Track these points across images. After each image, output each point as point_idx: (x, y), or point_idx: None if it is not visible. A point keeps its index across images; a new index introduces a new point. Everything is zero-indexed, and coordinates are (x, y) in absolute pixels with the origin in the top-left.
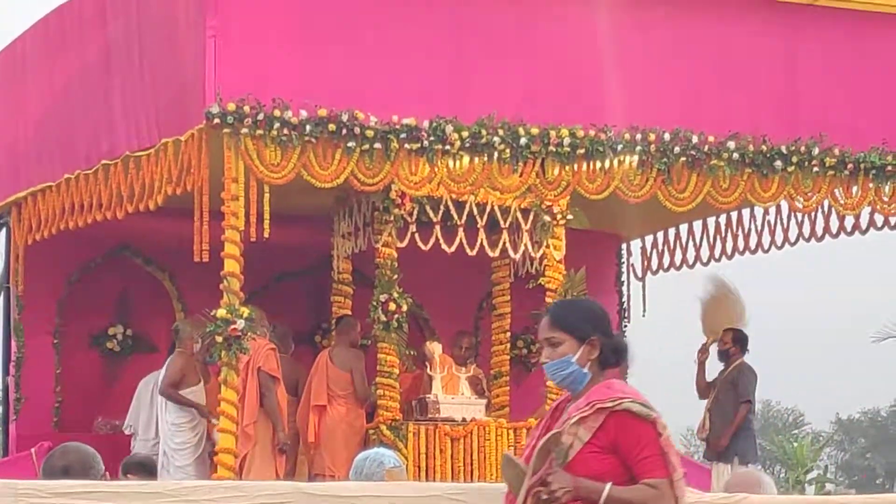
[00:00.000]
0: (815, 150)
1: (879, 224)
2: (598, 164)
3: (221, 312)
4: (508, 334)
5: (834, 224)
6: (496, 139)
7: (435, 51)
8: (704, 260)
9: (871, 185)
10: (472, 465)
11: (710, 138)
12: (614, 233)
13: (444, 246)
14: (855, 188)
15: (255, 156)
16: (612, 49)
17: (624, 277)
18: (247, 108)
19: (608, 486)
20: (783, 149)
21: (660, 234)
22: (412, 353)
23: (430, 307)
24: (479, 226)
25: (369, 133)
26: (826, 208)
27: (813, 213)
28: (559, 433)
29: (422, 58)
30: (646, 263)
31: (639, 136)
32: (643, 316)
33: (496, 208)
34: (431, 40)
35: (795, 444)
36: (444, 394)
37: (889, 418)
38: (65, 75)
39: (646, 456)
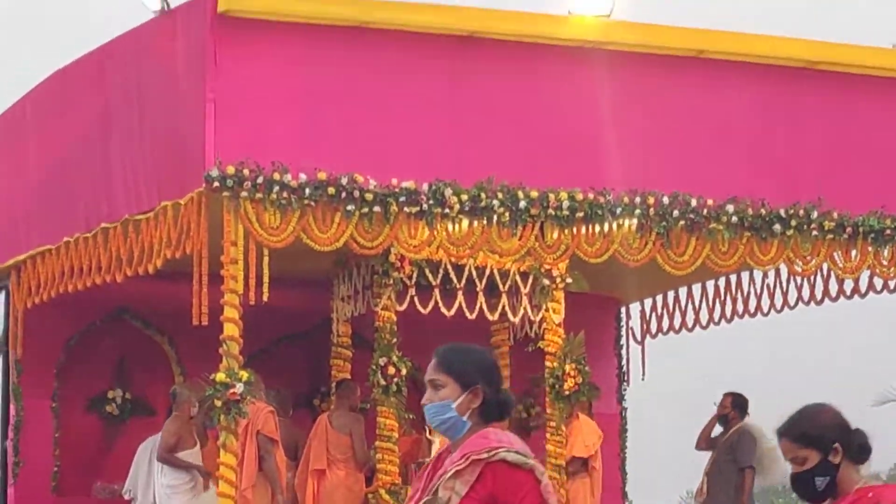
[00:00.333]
0: (814, 214)
1: (879, 287)
2: (598, 228)
3: (220, 376)
4: None
5: (833, 287)
6: (495, 202)
7: (434, 114)
8: (704, 323)
9: (870, 248)
10: None
11: (709, 202)
12: (613, 296)
13: (443, 309)
14: (854, 252)
15: (254, 219)
16: (610, 112)
17: (623, 341)
18: (246, 172)
19: None
20: (782, 212)
21: (659, 298)
22: (411, 416)
23: None
24: (478, 289)
25: (369, 196)
26: (825, 272)
27: (812, 277)
28: (437, 489)
29: (421, 121)
30: (645, 327)
31: (638, 200)
32: (642, 379)
33: (495, 271)
34: (430, 104)
35: None
36: None
37: (889, 482)
38: (64, 138)
39: None
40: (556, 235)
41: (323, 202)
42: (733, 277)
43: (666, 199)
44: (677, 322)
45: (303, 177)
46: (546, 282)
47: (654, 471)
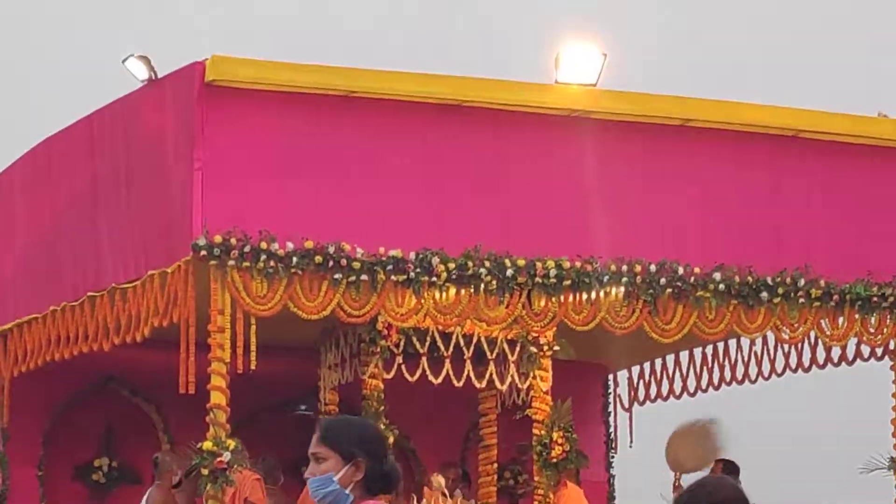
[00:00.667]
0: (801, 282)
1: (866, 355)
2: (585, 296)
3: (208, 445)
4: (495, 465)
5: (821, 355)
6: (482, 271)
7: (420, 183)
8: (691, 390)
9: (857, 316)
10: None
11: (696, 269)
12: (601, 363)
13: (430, 377)
14: (841, 319)
15: (241, 288)
16: (597, 180)
17: (611, 408)
18: (233, 241)
19: None
20: (769, 280)
21: (646, 365)
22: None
23: (416, 439)
24: (465, 357)
25: (356, 265)
26: (813, 339)
27: (799, 344)
28: None
29: (407, 190)
30: (632, 394)
31: (625, 268)
32: (630, 447)
33: (483, 339)
34: (417, 172)
35: None
36: None
37: None
38: (52, 206)
39: None
40: (543, 303)
41: (310, 271)
42: (721, 345)
43: (653, 267)
44: (665, 389)
45: (290, 245)
46: (533, 350)
47: None
